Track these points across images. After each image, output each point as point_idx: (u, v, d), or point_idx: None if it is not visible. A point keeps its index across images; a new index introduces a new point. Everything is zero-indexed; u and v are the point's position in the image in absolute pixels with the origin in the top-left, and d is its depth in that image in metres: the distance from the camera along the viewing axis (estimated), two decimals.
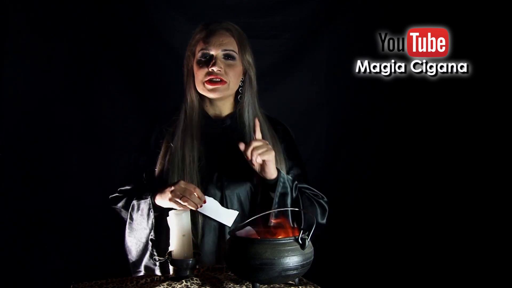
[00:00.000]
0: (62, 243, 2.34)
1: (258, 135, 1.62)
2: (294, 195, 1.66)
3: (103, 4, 2.35)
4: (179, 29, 2.33)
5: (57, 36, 2.31)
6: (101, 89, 2.39)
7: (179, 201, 1.55)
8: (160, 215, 1.65)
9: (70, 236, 2.35)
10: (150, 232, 1.66)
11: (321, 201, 1.75)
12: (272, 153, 1.59)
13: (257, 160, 1.57)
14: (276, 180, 1.63)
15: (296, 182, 1.69)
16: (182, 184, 1.57)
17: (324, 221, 1.73)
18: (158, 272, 1.66)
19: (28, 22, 2.28)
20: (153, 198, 1.66)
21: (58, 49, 2.32)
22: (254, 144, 1.56)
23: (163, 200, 1.61)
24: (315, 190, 1.77)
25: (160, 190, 1.63)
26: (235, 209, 1.68)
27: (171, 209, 1.55)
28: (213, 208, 1.61)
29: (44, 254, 2.33)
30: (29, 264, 2.32)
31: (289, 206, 1.62)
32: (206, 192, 1.66)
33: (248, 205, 1.70)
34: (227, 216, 1.65)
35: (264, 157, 1.57)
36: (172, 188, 1.57)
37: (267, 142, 1.61)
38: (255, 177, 1.69)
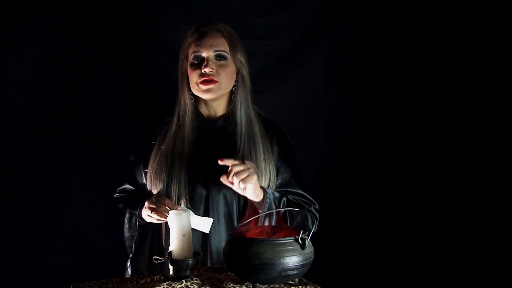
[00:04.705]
0: (62, 243, 2.34)
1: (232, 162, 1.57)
2: (282, 211, 1.67)
3: (102, 7, 2.35)
4: (178, 30, 2.32)
5: (56, 38, 2.31)
6: (100, 91, 2.38)
7: (151, 215, 1.63)
8: (145, 226, 1.76)
9: (70, 236, 2.35)
10: (132, 245, 1.78)
11: (312, 209, 1.76)
12: (254, 178, 1.58)
13: (239, 186, 1.56)
14: (262, 201, 1.63)
15: (284, 199, 1.70)
16: (153, 198, 1.66)
17: (315, 228, 1.71)
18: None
19: (28, 25, 2.28)
20: (140, 211, 1.73)
21: (57, 51, 2.32)
22: (235, 169, 1.54)
23: (144, 216, 1.71)
24: (307, 197, 1.78)
25: (144, 204, 1.70)
26: (220, 209, 1.70)
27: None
28: None
29: (44, 254, 2.33)
30: (29, 264, 2.32)
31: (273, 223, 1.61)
32: (192, 191, 1.69)
33: (235, 205, 1.71)
34: (203, 224, 1.65)
35: (247, 184, 1.55)
36: (146, 204, 1.66)
37: (249, 166, 1.58)
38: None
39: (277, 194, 1.69)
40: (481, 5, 2.26)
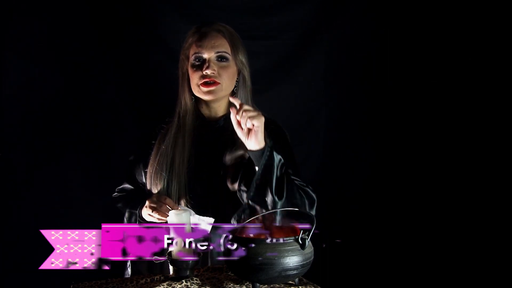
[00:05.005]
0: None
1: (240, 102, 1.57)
2: (279, 173, 1.60)
3: (102, 7, 2.35)
4: (178, 30, 2.32)
5: (56, 38, 2.31)
6: (100, 91, 2.38)
7: (152, 214, 1.63)
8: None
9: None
10: None
11: (308, 189, 1.70)
12: (262, 119, 1.55)
13: (246, 124, 1.53)
14: (263, 151, 1.58)
15: (282, 161, 1.63)
16: (154, 197, 1.65)
17: (313, 212, 1.68)
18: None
19: (28, 25, 2.28)
20: (140, 211, 1.72)
21: (57, 51, 2.32)
22: (245, 107, 1.53)
23: (145, 215, 1.70)
24: (300, 180, 1.73)
25: (144, 204, 1.69)
26: (220, 209, 1.69)
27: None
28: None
29: (44, 254, 2.32)
30: (29, 264, 2.32)
31: (273, 184, 1.56)
32: (193, 191, 1.69)
33: (235, 205, 1.68)
34: (204, 224, 1.65)
35: (254, 121, 1.52)
36: (147, 203, 1.66)
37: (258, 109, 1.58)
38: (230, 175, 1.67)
39: (276, 153, 1.62)
40: (481, 5, 2.26)
